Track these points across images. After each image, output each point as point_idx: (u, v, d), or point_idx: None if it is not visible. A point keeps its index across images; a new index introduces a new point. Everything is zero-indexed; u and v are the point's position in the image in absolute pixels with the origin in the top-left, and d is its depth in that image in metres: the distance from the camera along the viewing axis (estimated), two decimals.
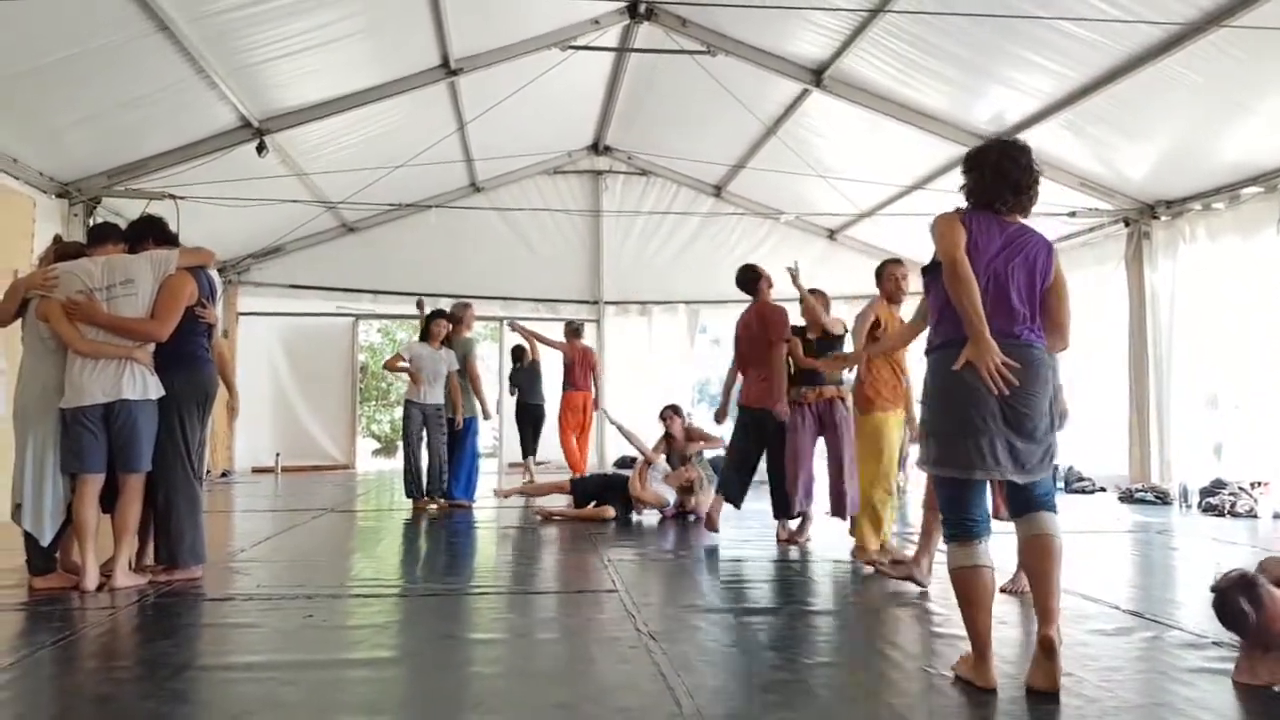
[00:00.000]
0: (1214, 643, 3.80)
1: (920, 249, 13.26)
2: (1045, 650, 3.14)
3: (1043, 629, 3.17)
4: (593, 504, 8.28)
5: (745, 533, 7.24)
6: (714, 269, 14.69)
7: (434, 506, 8.86)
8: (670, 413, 8.76)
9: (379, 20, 8.65)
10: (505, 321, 13.39)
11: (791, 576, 5.53)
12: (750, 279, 7.16)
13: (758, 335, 6.86)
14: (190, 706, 3.17)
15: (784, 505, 6.68)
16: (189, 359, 5.21)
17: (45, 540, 4.93)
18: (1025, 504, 3.35)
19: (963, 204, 3.43)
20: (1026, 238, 3.35)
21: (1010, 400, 3.16)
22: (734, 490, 6.93)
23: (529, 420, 11.77)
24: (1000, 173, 3.36)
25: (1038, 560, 3.30)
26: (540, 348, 11.61)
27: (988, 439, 3.17)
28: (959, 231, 3.27)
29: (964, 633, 3.33)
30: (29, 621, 4.40)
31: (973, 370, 3.13)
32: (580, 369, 11.51)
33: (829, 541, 6.56)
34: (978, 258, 3.24)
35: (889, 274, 5.96)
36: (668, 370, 14.53)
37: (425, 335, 9.11)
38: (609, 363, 13.97)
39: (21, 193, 8.50)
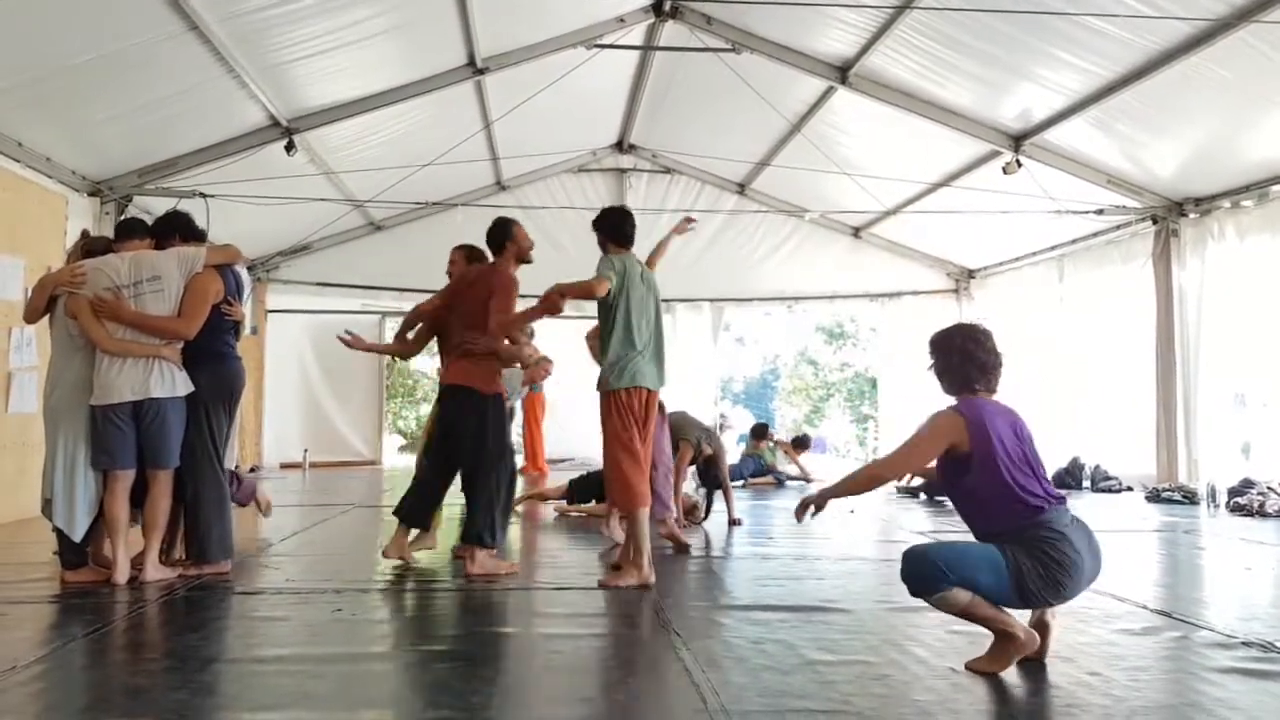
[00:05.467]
0: (1243, 643, 3.77)
1: (944, 247, 13.24)
2: (1041, 630, 3.48)
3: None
4: (593, 502, 8.22)
5: (768, 530, 7.25)
6: (738, 267, 14.74)
7: None
8: None
9: (406, 19, 8.69)
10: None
11: (815, 575, 5.52)
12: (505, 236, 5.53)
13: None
14: (219, 699, 3.20)
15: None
16: (215, 356, 5.25)
17: (77, 536, 4.99)
18: None
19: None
20: (1012, 411, 3.55)
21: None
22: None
23: None
24: (967, 355, 3.53)
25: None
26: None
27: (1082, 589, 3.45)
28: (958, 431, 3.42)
29: (984, 631, 3.39)
30: (61, 614, 4.47)
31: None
32: None
33: (853, 543, 6.53)
34: (1004, 446, 3.39)
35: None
36: (692, 367, 14.54)
37: None
38: None
39: (54, 191, 8.61)
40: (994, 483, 3.37)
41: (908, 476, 4.01)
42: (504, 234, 5.48)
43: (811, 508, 3.52)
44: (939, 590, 3.29)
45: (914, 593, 3.38)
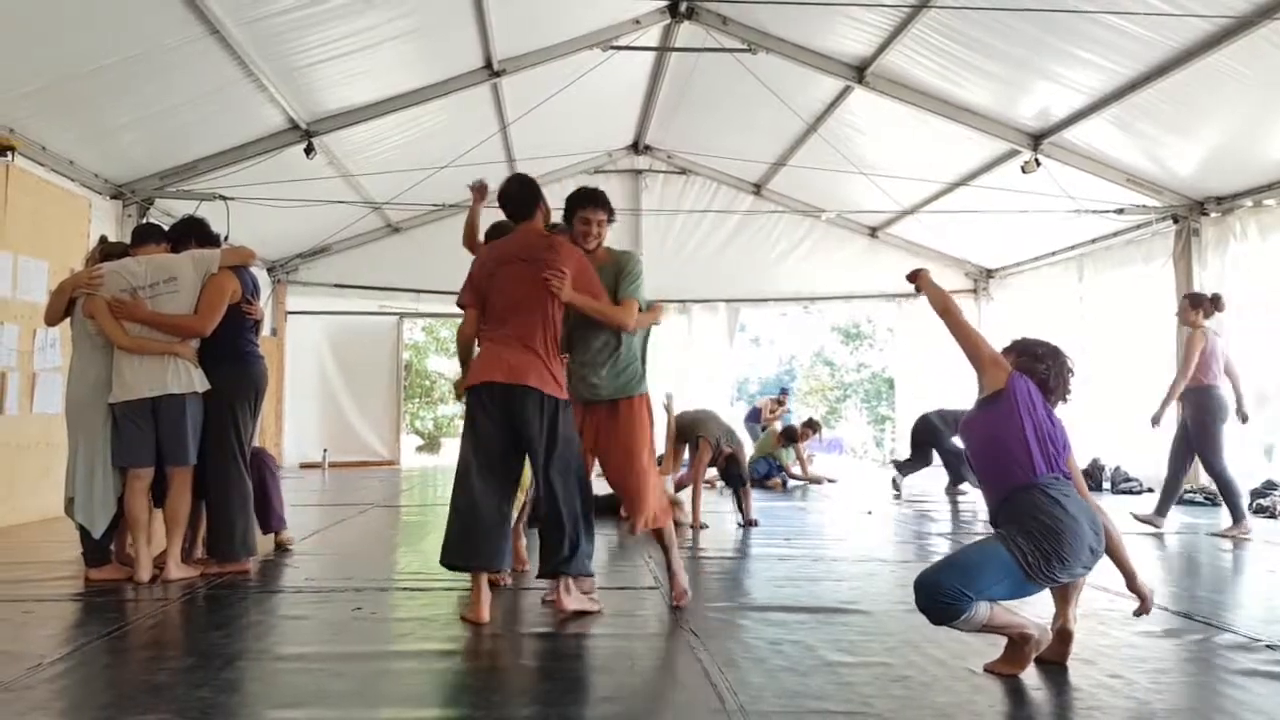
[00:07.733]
0: (1267, 645, 3.75)
1: (962, 247, 13.11)
2: (1062, 638, 3.52)
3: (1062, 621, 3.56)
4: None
5: (783, 531, 7.24)
6: (754, 267, 14.73)
7: None
8: None
9: (424, 23, 8.72)
10: None
11: (833, 577, 5.51)
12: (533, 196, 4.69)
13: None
14: (241, 696, 3.23)
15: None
16: (239, 355, 5.35)
17: (97, 533, 5.06)
18: None
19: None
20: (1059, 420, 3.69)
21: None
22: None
23: None
24: (1063, 376, 3.74)
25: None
26: None
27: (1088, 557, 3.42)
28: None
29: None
30: (84, 612, 4.51)
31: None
32: None
33: (871, 545, 6.50)
34: (1032, 405, 3.55)
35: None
36: (708, 368, 14.53)
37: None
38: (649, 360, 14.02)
39: (77, 194, 8.69)
40: (1014, 433, 3.45)
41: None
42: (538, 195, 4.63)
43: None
44: (962, 613, 3.22)
45: (937, 622, 3.31)
